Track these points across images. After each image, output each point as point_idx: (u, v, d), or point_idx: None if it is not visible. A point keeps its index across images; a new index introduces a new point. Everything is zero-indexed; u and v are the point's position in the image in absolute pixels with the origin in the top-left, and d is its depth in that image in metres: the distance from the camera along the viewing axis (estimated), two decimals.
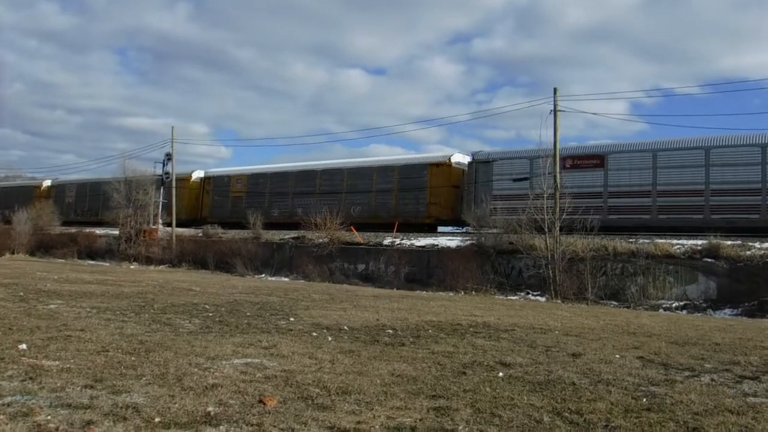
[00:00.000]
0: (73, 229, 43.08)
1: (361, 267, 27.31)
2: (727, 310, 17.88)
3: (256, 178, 38.87)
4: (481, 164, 28.52)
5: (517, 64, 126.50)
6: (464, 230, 28.77)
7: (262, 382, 5.67)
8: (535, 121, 47.69)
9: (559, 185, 21.81)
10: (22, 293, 13.06)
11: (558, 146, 22.85)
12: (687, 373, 6.79)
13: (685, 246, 20.43)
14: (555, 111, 22.93)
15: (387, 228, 30.00)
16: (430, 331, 9.59)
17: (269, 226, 33.88)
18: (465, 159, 30.29)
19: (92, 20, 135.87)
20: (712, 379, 6.50)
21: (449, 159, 30.72)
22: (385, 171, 32.61)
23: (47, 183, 54.26)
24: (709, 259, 19.51)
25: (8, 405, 4.61)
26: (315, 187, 35.18)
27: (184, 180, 41.97)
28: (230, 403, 4.93)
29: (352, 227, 29.41)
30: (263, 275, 27.98)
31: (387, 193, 32.16)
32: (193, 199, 42.43)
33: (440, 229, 31.73)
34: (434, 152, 36.26)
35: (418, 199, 30.78)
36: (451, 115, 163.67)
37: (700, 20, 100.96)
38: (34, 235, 41.62)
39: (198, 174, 43.37)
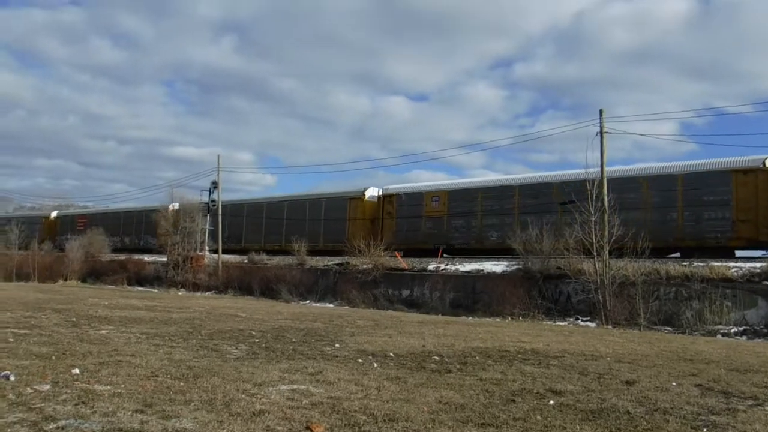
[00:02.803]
0: (122, 256, 44.01)
1: (405, 293, 27.18)
2: None
3: (461, 195, 31.88)
4: None
5: (559, 87, 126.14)
6: None
7: (309, 409, 5.63)
8: (579, 143, 47.38)
9: (607, 207, 21.40)
10: (74, 319, 13.34)
11: (605, 169, 22.50)
12: (750, 402, 6.52)
13: (743, 269, 19.78)
14: (601, 132, 22.61)
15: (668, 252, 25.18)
16: (477, 357, 9.45)
17: (490, 252, 28.72)
18: None
19: (141, 54, 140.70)
20: None
21: (764, 163, 23.90)
22: (660, 181, 25.79)
23: (175, 206, 46.48)
24: None
25: (62, 429, 4.69)
26: (552, 203, 27.91)
27: (355, 200, 36.17)
28: (277, 429, 4.90)
29: (396, 253, 29.33)
30: (308, 301, 28.09)
31: (664, 209, 25.39)
32: (368, 222, 35.49)
33: (741, 253, 24.90)
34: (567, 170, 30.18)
35: (717, 215, 24.11)
36: (494, 139, 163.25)
37: (751, 36, 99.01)
38: (85, 261, 42.71)
39: (373, 192, 36.12)
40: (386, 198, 35.00)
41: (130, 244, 49.75)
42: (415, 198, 33.66)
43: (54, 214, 60.48)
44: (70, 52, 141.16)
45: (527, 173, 32.11)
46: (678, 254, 24.77)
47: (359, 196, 35.94)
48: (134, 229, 49.17)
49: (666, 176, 25.69)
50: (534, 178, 30.41)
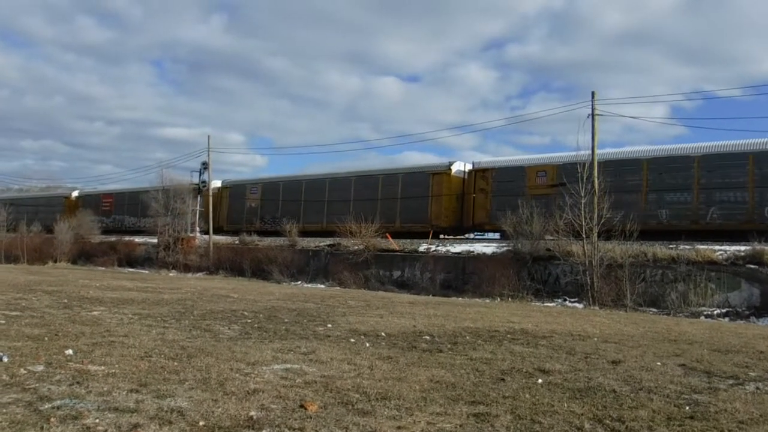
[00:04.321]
0: (113, 238, 43.81)
1: (396, 274, 27.31)
2: None
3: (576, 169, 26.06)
4: None
5: (552, 69, 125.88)
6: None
7: (303, 388, 5.72)
8: (570, 126, 47.37)
9: (597, 189, 21.53)
10: (66, 300, 13.35)
11: (596, 151, 22.61)
12: (731, 381, 6.66)
13: (728, 252, 20.03)
14: (593, 115, 22.70)
15: None
16: (467, 337, 9.57)
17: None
18: None
19: (128, 33, 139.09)
20: (757, 388, 6.37)
21: None
22: None
23: (216, 184, 43.19)
24: (752, 266, 19.10)
25: (58, 408, 4.73)
26: (691, 179, 24.33)
27: (438, 174, 32.18)
28: (272, 407, 4.98)
29: (387, 234, 29.40)
30: (299, 282, 28.19)
31: None
32: (454, 199, 31.73)
33: None
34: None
35: None
36: (486, 121, 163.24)
37: (743, 21, 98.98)
38: (75, 243, 42.56)
39: (459, 166, 32.19)
40: (478, 172, 30.75)
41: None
42: (515, 173, 29.13)
43: (75, 193, 57.19)
44: (55, 31, 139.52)
45: (655, 147, 26.50)
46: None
47: (445, 171, 32.10)
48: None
49: None
50: (664, 150, 26.26)
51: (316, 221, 36.17)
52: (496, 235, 29.34)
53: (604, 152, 26.36)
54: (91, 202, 53.27)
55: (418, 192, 32.39)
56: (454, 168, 32.02)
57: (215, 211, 42.50)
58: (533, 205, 25.89)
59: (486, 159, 31.99)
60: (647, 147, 27.79)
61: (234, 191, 42.17)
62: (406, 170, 34.60)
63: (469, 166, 31.79)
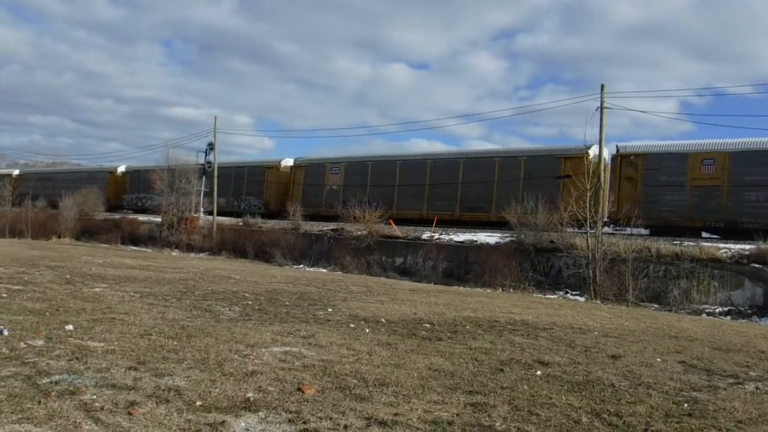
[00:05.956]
0: (117, 215, 43.85)
1: (399, 260, 27.32)
2: None
3: (754, 158, 23.38)
4: None
5: (561, 60, 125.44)
6: None
7: (301, 371, 5.72)
8: (577, 118, 47.02)
9: (603, 182, 21.47)
10: (68, 276, 13.37)
11: (603, 144, 22.52)
12: (730, 380, 6.64)
13: (732, 250, 19.96)
14: (602, 108, 22.60)
15: None
16: (467, 326, 9.56)
17: None
18: None
19: (140, 12, 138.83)
20: (757, 387, 6.34)
21: None
22: None
23: (288, 162, 40.70)
24: (756, 265, 19.02)
25: (56, 383, 4.74)
26: None
27: (572, 159, 27.54)
28: (269, 390, 4.99)
29: (390, 220, 29.40)
30: (301, 266, 28.19)
31: None
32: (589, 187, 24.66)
33: None
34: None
35: None
36: (493, 110, 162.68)
37: (755, 19, 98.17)
38: (79, 220, 42.64)
39: (596, 150, 26.34)
40: (624, 158, 26.33)
41: (232, 206, 41.28)
42: (673, 160, 25.06)
43: (122, 168, 52.68)
44: (66, 7, 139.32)
45: None
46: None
47: (579, 155, 27.22)
48: (245, 187, 41.37)
49: None
50: None
51: (413, 207, 32.32)
52: (646, 231, 25.62)
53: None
54: (139, 179, 49.03)
55: (546, 178, 28.22)
56: (592, 152, 27.20)
57: (285, 191, 39.65)
58: (697, 196, 23.90)
59: (636, 143, 27.80)
60: None
61: (311, 170, 38.09)
62: (529, 153, 30.50)
63: (611, 150, 27.71)
